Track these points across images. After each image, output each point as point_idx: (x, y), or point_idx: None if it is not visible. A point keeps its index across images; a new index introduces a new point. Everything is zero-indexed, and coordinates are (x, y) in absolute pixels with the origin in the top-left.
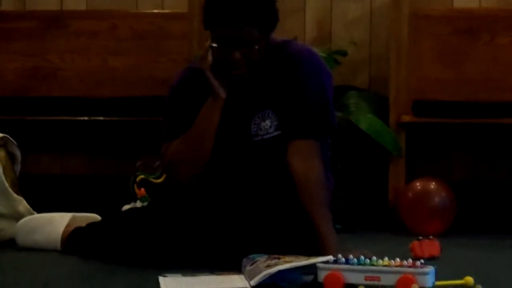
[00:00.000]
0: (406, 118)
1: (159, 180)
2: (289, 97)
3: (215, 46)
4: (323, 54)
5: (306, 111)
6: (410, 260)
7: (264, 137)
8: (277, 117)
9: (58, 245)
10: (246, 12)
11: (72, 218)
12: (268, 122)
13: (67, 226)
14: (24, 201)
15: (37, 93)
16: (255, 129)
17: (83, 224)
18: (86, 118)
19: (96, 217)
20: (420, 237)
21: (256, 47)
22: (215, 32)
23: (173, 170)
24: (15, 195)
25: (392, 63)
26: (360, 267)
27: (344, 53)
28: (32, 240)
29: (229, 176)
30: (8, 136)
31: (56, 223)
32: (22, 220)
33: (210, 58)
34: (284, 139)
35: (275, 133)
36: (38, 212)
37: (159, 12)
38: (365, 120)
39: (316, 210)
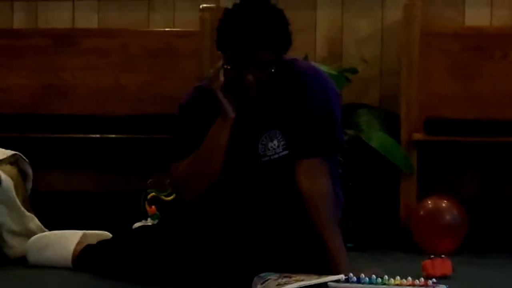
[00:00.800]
0: (418, 136)
1: (170, 198)
2: (295, 116)
3: (228, 68)
4: (334, 72)
5: (312, 129)
6: (422, 279)
7: (272, 157)
8: (285, 136)
9: (69, 262)
10: (261, 37)
11: (83, 236)
12: (275, 142)
13: (78, 243)
14: (36, 219)
15: (48, 111)
16: (262, 149)
17: (94, 242)
18: (97, 135)
19: (107, 234)
20: (432, 256)
21: (269, 70)
22: (228, 54)
23: (182, 190)
24: (26, 212)
25: (403, 80)
26: (371, 286)
27: (354, 71)
28: (43, 257)
29: (238, 195)
30: (19, 153)
31: (67, 241)
32: (33, 238)
33: (222, 78)
34: (292, 159)
35: (283, 153)
36: (50, 229)
37: (170, 30)
38: (376, 138)
39: (326, 228)
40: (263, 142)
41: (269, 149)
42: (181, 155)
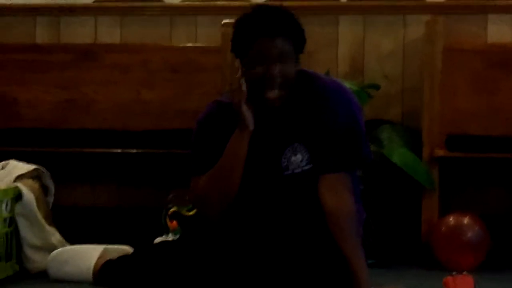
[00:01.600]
0: (440, 152)
1: (191, 213)
2: (319, 131)
3: (249, 71)
4: (356, 88)
5: (337, 144)
6: None
7: (295, 171)
8: (308, 150)
9: (90, 277)
10: (279, 23)
11: (104, 251)
12: (299, 156)
13: (99, 258)
14: (57, 233)
15: (70, 125)
16: (285, 163)
17: (115, 257)
18: (119, 150)
19: (127, 249)
20: (454, 272)
21: (290, 64)
22: (250, 51)
23: (203, 204)
24: (48, 226)
25: (426, 96)
26: None
27: (376, 87)
28: (64, 272)
29: (260, 210)
30: (41, 167)
31: (88, 255)
32: (54, 252)
33: (244, 88)
34: (315, 173)
35: (307, 167)
36: (71, 243)
37: (192, 46)
38: (398, 154)
39: (348, 243)
40: (286, 156)
41: (292, 163)
42: (201, 170)
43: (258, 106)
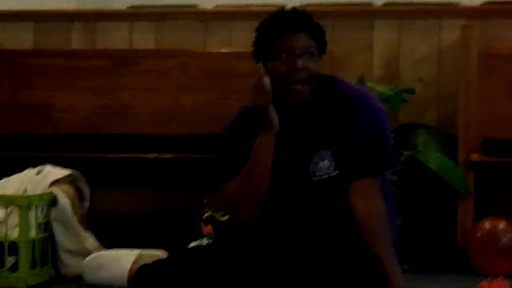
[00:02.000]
0: (475, 157)
1: (225, 218)
2: (347, 137)
3: (273, 70)
4: (390, 92)
5: (365, 150)
6: None
7: (323, 177)
8: (335, 157)
9: (124, 282)
10: (302, 20)
11: (139, 255)
12: (327, 162)
13: (134, 263)
14: (92, 238)
15: (107, 131)
16: (312, 169)
17: (150, 261)
18: (155, 155)
19: (162, 254)
20: (489, 278)
21: (315, 59)
22: (272, 47)
23: (234, 209)
24: (83, 231)
25: (461, 101)
26: None
27: (412, 91)
28: (99, 277)
29: (288, 216)
30: (77, 172)
31: (123, 260)
32: (89, 257)
33: (269, 88)
34: (343, 179)
35: (334, 173)
36: (107, 248)
37: (227, 52)
38: (434, 159)
39: (381, 248)
40: (314, 162)
41: (319, 169)
42: (229, 175)
43: (281, 108)
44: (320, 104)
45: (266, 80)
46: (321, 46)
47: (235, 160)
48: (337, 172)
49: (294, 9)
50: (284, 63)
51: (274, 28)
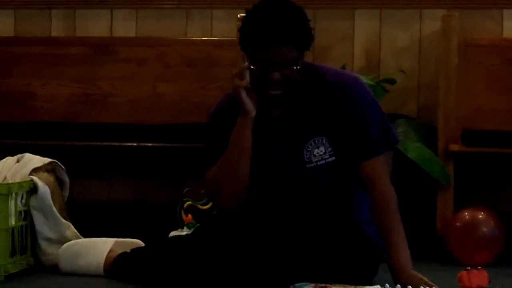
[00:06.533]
0: (455, 147)
1: (206, 207)
2: (346, 123)
3: (253, 68)
4: (371, 82)
5: (373, 128)
6: None
7: (318, 163)
8: (331, 143)
9: (100, 270)
10: (284, 32)
11: (115, 244)
12: (322, 148)
13: (110, 251)
14: (72, 226)
15: (86, 119)
16: (308, 156)
17: (127, 250)
18: (134, 144)
19: (139, 242)
20: (469, 267)
21: (295, 67)
22: (253, 54)
23: (214, 195)
24: (63, 220)
25: (441, 91)
26: None
27: (392, 81)
28: (75, 265)
29: (278, 202)
30: (57, 161)
31: (99, 248)
32: (65, 245)
33: (247, 78)
34: (340, 164)
35: (330, 159)
36: (86, 237)
37: (208, 40)
38: (414, 148)
39: (395, 228)
40: (309, 149)
41: (315, 156)
42: (212, 162)
43: (262, 94)
44: (312, 93)
45: (245, 67)
46: (305, 47)
47: (218, 147)
48: (333, 158)
49: (280, 10)
50: (262, 71)
51: (256, 36)
